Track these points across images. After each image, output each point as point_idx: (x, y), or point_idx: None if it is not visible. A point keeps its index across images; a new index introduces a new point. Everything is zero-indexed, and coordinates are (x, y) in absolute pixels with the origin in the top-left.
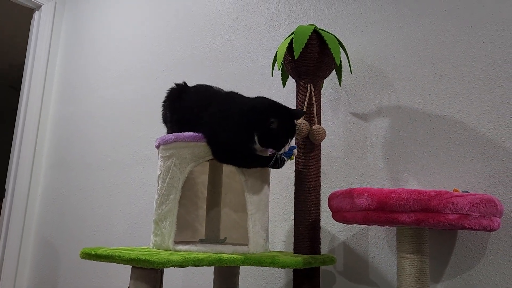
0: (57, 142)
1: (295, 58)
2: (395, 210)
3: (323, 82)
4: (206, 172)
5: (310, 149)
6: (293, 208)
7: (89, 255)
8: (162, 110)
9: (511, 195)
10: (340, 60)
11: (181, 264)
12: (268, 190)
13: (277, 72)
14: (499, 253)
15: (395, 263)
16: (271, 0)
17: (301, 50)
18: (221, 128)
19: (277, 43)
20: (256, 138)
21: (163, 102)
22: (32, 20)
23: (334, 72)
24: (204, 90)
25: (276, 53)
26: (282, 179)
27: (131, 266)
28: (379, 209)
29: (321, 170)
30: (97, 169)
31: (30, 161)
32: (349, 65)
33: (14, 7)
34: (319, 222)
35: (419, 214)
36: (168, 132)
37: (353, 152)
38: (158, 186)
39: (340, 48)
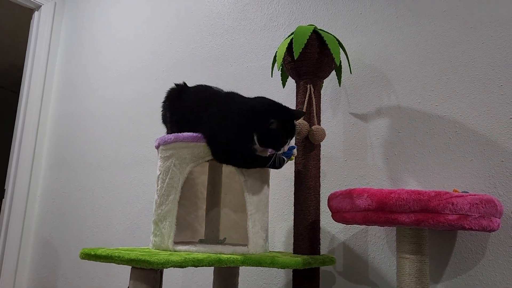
0: (56, 142)
1: (295, 59)
2: (395, 210)
3: (323, 83)
4: (206, 173)
5: (310, 150)
6: (293, 209)
7: (88, 256)
8: (162, 110)
9: (511, 196)
10: (340, 61)
11: (181, 265)
12: (268, 191)
13: (277, 73)
14: (498, 254)
15: (395, 264)
16: (271, 1)
17: (300, 50)
18: (220, 128)
19: (277, 43)
20: (255, 138)
21: (163, 102)
22: (32, 20)
23: (333, 72)
24: (203, 91)
25: (275, 54)
26: (282, 179)
27: (130, 267)
28: (378, 210)
29: (320, 170)
30: (97, 169)
31: (30, 161)
32: (349, 65)
33: (14, 7)
34: (319, 222)
35: (418, 215)
36: (167, 133)
37: (353, 152)
38: (157, 186)
39: (340, 49)
